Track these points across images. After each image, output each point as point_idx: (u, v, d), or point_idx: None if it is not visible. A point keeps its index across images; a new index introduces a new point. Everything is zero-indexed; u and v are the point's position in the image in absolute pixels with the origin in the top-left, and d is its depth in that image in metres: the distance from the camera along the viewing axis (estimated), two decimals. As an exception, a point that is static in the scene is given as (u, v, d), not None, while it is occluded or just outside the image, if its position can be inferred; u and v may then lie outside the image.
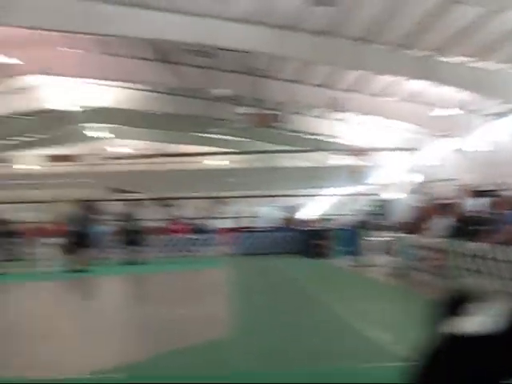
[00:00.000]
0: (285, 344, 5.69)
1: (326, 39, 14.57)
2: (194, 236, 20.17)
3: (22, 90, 22.75)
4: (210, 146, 28.61)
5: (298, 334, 6.26)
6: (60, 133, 28.70)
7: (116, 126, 27.58)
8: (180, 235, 20.00)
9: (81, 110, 25.12)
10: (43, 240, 16.21)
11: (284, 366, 4.93)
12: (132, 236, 16.22)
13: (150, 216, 20.97)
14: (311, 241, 18.55)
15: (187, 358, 5.24)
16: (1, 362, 5.11)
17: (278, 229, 22.25)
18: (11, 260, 15.36)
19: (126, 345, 6.20)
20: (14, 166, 29.86)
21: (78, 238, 13.17)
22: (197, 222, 22.59)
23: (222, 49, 15.89)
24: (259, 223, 25.37)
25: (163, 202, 24.70)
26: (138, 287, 12.37)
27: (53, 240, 13.74)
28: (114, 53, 19.10)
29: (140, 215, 17.99)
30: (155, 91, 23.52)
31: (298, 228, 21.30)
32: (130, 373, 4.74)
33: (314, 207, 30.01)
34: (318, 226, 20.35)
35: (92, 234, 14.14)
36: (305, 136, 25.55)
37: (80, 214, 13.72)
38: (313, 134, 24.91)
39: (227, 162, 28.44)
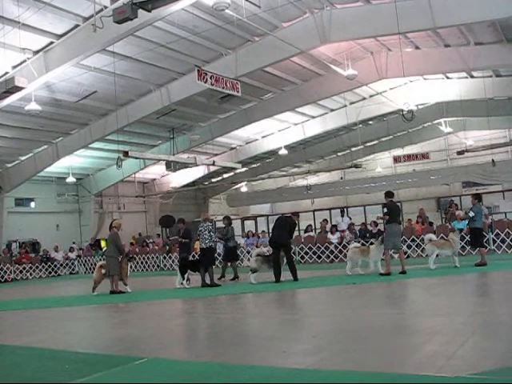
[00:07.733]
0: None
1: None
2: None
3: (370, 97, 24.12)
4: None
5: None
6: (406, 133, 29.21)
7: (457, 119, 26.55)
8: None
9: (423, 107, 25.14)
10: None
11: None
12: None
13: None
14: None
15: None
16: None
17: None
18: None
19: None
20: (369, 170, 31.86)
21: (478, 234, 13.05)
22: None
23: None
24: None
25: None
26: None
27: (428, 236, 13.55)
28: (452, 43, 18.39)
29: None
30: (498, 76, 21.67)
31: None
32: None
33: None
34: None
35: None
36: None
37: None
38: None
39: None
